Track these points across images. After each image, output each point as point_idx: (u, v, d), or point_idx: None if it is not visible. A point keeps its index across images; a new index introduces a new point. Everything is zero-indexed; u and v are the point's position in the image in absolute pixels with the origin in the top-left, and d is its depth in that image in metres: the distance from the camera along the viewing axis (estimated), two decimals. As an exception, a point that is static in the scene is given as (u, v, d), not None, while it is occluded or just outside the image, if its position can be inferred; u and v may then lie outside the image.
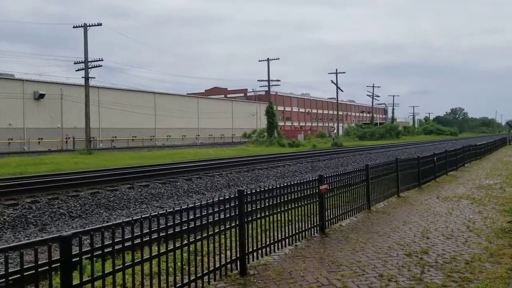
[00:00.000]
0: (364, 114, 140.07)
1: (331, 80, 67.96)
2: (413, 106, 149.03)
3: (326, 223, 8.81)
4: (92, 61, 39.90)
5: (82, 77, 40.20)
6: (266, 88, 59.60)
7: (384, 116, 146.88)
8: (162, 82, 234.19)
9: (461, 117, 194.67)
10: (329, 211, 8.99)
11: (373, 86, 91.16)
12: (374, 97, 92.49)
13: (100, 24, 39.51)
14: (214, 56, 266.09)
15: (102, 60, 40.18)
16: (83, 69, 39.70)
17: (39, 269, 3.71)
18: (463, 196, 13.15)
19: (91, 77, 40.51)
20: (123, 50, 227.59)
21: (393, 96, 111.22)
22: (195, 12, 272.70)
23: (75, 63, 40.26)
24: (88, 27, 39.24)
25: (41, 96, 52.65)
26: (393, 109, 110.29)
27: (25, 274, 3.60)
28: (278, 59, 58.47)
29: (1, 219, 11.10)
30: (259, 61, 61.84)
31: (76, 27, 39.60)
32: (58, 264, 3.82)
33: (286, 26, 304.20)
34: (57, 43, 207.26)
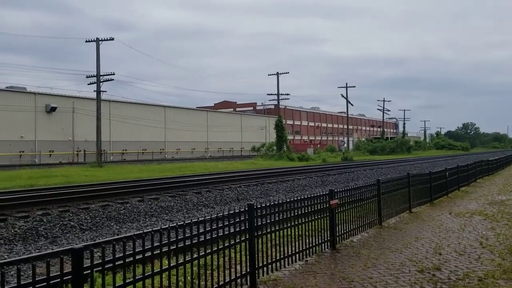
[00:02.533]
0: (375, 129, 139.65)
1: (341, 94, 68.07)
2: (424, 121, 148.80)
3: (337, 238, 8.73)
4: (104, 75, 40.39)
5: (94, 91, 40.66)
6: (275, 102, 59.71)
7: (395, 131, 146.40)
8: (168, 95, 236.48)
9: (472, 132, 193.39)
10: (340, 226, 8.91)
11: (383, 100, 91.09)
12: (385, 111, 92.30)
13: (112, 39, 40.07)
14: (218, 69, 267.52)
15: (114, 74, 40.69)
16: (94, 82, 40.16)
17: (50, 282, 3.72)
18: (475, 212, 12.98)
19: (103, 91, 40.96)
20: (126, 63, 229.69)
21: (404, 110, 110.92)
22: (193, 26, 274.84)
23: (87, 77, 40.77)
24: (100, 42, 39.80)
25: (53, 109, 53.28)
26: (404, 123, 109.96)
27: (36, 286, 3.60)
28: (288, 73, 58.77)
29: (12, 231, 11.17)
30: (268, 75, 62.37)
31: (89, 41, 40.18)
32: (70, 276, 3.83)
33: (289, 39, 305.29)
34: (61, 56, 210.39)
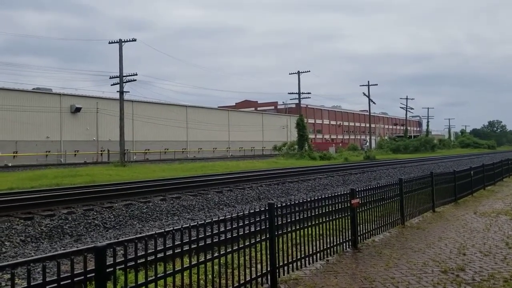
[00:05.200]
0: (398, 127, 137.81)
1: (363, 93, 67.40)
2: (449, 119, 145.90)
3: (359, 238, 8.67)
4: (126, 76, 40.95)
5: (117, 91, 41.25)
6: (296, 101, 59.49)
7: (418, 129, 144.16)
8: (187, 94, 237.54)
9: (499, 130, 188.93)
10: (361, 225, 8.85)
11: (406, 98, 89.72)
12: (408, 109, 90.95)
13: (134, 40, 40.55)
14: (238, 68, 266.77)
15: (136, 75, 41.20)
16: (117, 83, 40.75)
17: (74, 279, 3.81)
18: (501, 212, 12.69)
19: (126, 91, 41.51)
20: (145, 62, 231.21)
21: (428, 108, 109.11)
22: (211, 25, 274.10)
23: (110, 78, 41.36)
24: (123, 43, 40.35)
25: (78, 109, 54.31)
26: (427, 121, 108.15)
27: (61, 283, 3.69)
28: (309, 71, 58.44)
29: (39, 229, 11.44)
30: (289, 74, 61.93)
31: (112, 42, 40.75)
32: (93, 274, 3.91)
33: (308, 36, 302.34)
34: (80, 57, 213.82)
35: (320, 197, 7.78)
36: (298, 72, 57.54)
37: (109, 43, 40.92)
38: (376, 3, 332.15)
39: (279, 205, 6.71)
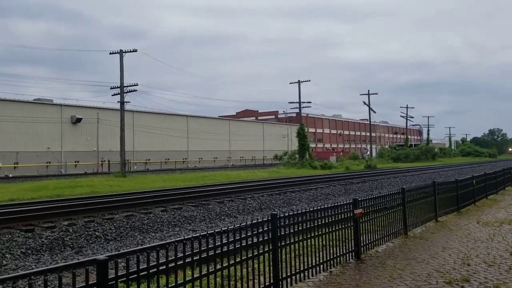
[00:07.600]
0: (398, 136, 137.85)
1: (363, 102, 67.52)
2: (449, 127, 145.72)
3: (362, 248, 8.60)
4: (127, 86, 41.05)
5: (118, 102, 41.30)
6: (297, 110, 59.58)
7: (418, 138, 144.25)
8: (185, 103, 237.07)
9: (500, 138, 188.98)
10: (364, 236, 8.78)
11: (406, 107, 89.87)
12: (408, 118, 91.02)
13: (135, 50, 40.71)
14: (236, 77, 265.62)
15: (137, 85, 41.28)
16: (118, 93, 40.83)
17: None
18: (505, 221, 12.62)
19: (126, 102, 41.57)
20: (142, 71, 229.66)
21: (428, 117, 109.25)
22: (208, 33, 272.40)
23: (111, 88, 41.46)
24: (124, 53, 40.49)
25: (78, 120, 54.41)
26: (428, 130, 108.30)
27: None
28: (309, 81, 58.59)
29: (40, 241, 11.37)
30: (290, 83, 62.15)
31: (113, 53, 40.88)
32: (95, 287, 3.86)
33: (307, 44, 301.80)
34: (75, 66, 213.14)
35: (322, 207, 7.73)
36: (299, 82, 57.69)
37: (110, 53, 41.05)
38: (375, 10, 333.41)
39: (281, 216, 6.67)
